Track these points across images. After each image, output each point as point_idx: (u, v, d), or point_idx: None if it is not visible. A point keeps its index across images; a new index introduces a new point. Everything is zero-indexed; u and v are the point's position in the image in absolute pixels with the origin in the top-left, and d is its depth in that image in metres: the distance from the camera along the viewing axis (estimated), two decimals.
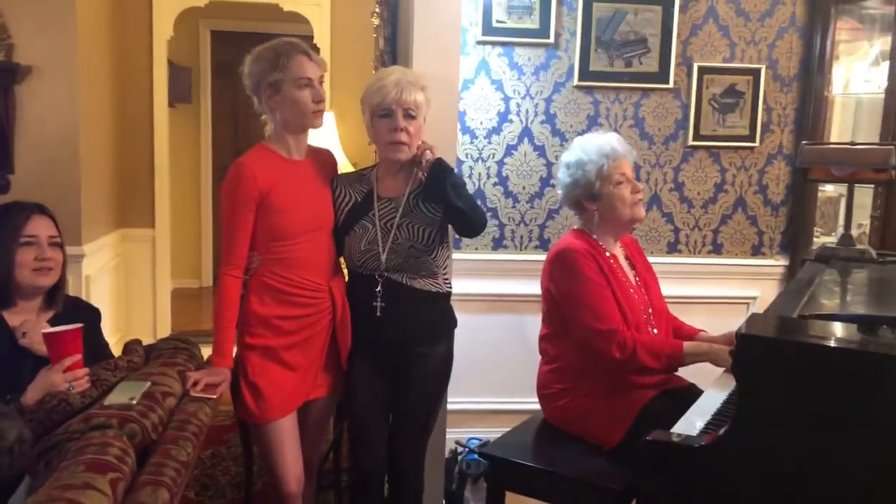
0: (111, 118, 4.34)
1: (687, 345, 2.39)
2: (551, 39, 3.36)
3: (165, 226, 4.77)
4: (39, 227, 2.21)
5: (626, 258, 2.60)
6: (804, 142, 3.08)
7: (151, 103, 4.67)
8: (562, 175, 2.56)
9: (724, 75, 3.50)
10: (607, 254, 2.51)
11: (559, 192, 2.61)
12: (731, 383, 2.15)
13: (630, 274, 2.56)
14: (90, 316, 2.31)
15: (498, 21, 3.32)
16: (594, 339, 2.36)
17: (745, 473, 1.64)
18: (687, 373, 2.50)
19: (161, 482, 1.62)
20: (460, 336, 2.51)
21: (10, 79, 3.50)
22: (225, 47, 6.53)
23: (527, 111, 3.42)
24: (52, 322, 2.18)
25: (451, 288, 2.47)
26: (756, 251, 3.66)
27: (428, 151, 2.31)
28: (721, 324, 2.70)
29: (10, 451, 1.54)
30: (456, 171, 2.63)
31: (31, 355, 2.10)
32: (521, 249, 3.50)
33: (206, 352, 2.35)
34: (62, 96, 3.58)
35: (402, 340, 2.35)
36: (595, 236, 2.53)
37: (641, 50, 3.43)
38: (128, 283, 4.59)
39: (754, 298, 3.59)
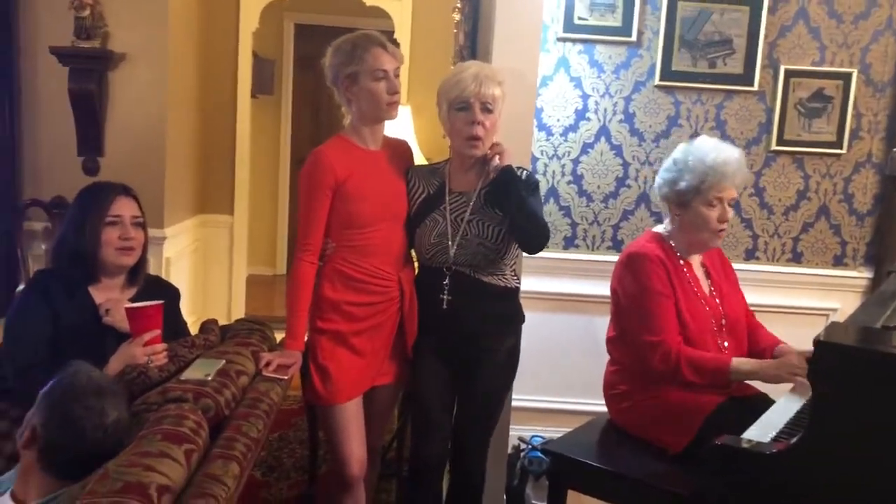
0: (196, 107, 4.47)
1: (735, 361, 2.29)
2: (633, 38, 3.32)
3: (244, 213, 4.89)
4: (124, 208, 2.29)
5: (702, 265, 2.54)
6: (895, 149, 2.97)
7: (235, 93, 4.78)
8: (665, 168, 2.49)
9: (813, 79, 3.39)
10: (681, 261, 2.46)
11: (656, 181, 2.53)
12: (805, 394, 2.10)
13: (704, 283, 2.49)
14: (170, 294, 2.38)
15: (580, 18, 3.30)
16: (640, 348, 2.35)
17: (817, 483, 1.59)
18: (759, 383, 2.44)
19: (232, 456, 1.67)
20: (528, 334, 2.51)
21: (104, 65, 3.64)
22: (308, 40, 6.65)
23: (605, 110, 3.38)
24: (134, 299, 2.26)
25: (519, 283, 2.46)
26: (838, 262, 3.54)
27: (498, 157, 2.29)
28: (798, 335, 2.60)
29: (106, 430, 1.61)
30: (530, 167, 2.63)
31: (114, 331, 2.19)
32: (592, 250, 3.46)
33: (279, 337, 2.41)
34: (151, 84, 3.71)
35: (467, 333, 2.36)
36: (672, 242, 2.48)
37: (726, 51, 3.36)
38: (205, 267, 4.73)
39: (834, 310, 3.47)
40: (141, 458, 1.49)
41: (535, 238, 2.31)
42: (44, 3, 3.63)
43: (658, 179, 2.52)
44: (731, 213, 2.43)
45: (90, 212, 2.24)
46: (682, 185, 2.39)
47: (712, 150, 2.40)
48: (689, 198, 2.39)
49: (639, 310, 2.37)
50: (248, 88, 4.86)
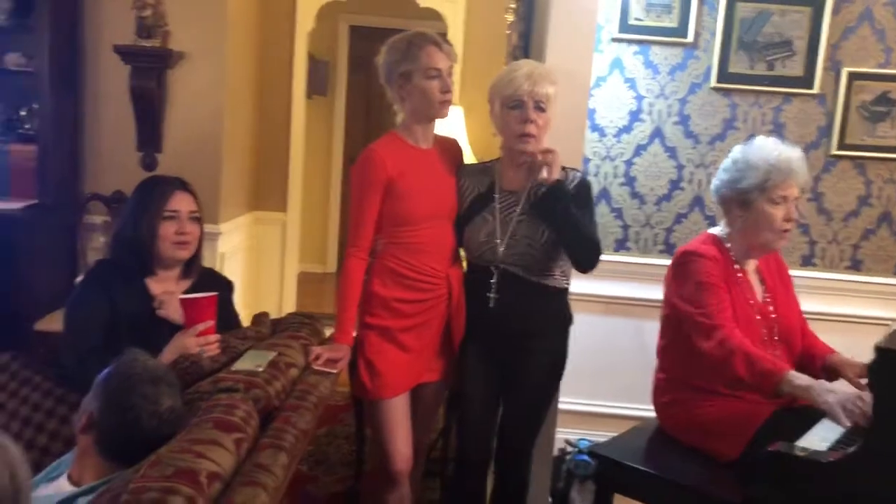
0: (252, 106, 4.55)
1: (791, 374, 2.11)
2: (690, 39, 3.27)
3: (296, 211, 4.95)
4: (181, 203, 2.33)
5: (757, 271, 2.48)
6: None
7: (290, 93, 4.85)
8: (724, 168, 2.43)
9: (877, 82, 3.29)
10: (736, 266, 2.40)
11: (714, 183, 2.47)
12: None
13: (758, 290, 2.43)
14: (224, 287, 2.42)
15: (635, 19, 3.26)
16: (695, 332, 2.26)
17: (874, 494, 1.54)
18: None
19: (281, 446, 1.69)
20: (576, 336, 2.49)
21: (163, 64, 3.73)
22: (362, 42, 6.72)
23: (659, 111, 3.34)
24: (189, 291, 2.30)
25: (568, 284, 2.45)
26: None
27: (546, 169, 2.25)
28: (856, 344, 2.52)
29: (160, 417, 1.65)
30: (582, 168, 2.61)
31: (168, 323, 2.23)
32: (644, 253, 3.42)
33: (328, 333, 2.43)
34: (209, 82, 3.78)
35: (514, 333, 2.36)
36: (728, 245, 2.42)
37: (786, 53, 3.28)
38: (258, 263, 4.80)
39: (895, 320, 3.37)
40: (192, 444, 1.51)
41: (585, 257, 2.31)
42: (108, 3, 3.74)
43: (716, 181, 2.47)
44: (796, 212, 2.37)
45: (148, 206, 2.29)
46: (745, 183, 2.33)
47: (774, 148, 2.35)
48: (753, 197, 2.33)
49: (694, 302, 2.29)
50: (303, 89, 4.92)
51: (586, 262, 2.32)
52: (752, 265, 2.46)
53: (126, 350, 1.74)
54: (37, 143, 3.69)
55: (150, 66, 3.70)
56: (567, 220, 2.26)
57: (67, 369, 2.17)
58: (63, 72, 3.70)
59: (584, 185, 2.39)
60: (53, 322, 3.28)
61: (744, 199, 2.35)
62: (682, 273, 2.37)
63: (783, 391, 2.11)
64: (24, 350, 2.36)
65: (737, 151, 2.42)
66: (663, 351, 2.50)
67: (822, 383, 2.11)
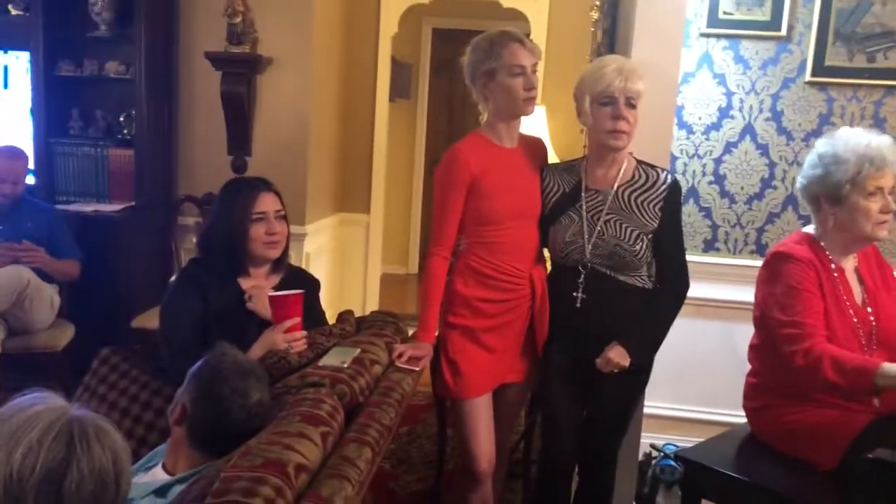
0: (337, 109, 4.63)
1: (885, 366, 2.00)
2: (783, 32, 3.16)
3: (379, 213, 5.00)
4: (268, 203, 2.38)
5: (856, 271, 2.35)
6: None
7: (374, 97, 4.90)
8: (809, 164, 2.32)
9: None
10: (832, 266, 2.29)
11: (799, 181, 2.36)
12: None
13: (857, 291, 2.30)
14: (311, 285, 2.47)
15: (725, 13, 3.17)
16: (781, 341, 2.17)
17: None
18: None
19: (365, 441, 1.71)
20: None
21: (253, 69, 3.84)
22: (445, 44, 6.75)
23: (750, 107, 3.23)
24: (277, 288, 2.35)
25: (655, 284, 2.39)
26: None
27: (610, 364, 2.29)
28: None
29: (249, 410, 1.69)
30: (669, 167, 2.55)
31: (257, 318, 2.29)
32: (734, 253, 3.32)
33: (411, 333, 2.44)
34: (296, 87, 3.88)
35: (600, 332, 2.31)
36: (823, 243, 2.31)
37: (888, 44, 3.13)
38: (342, 263, 4.88)
39: None
40: (280, 437, 1.54)
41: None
42: (201, 11, 3.87)
43: (802, 179, 2.35)
44: (893, 203, 2.23)
45: (237, 209, 2.33)
46: (836, 178, 2.22)
47: (861, 138, 2.22)
48: (846, 191, 2.21)
49: (783, 307, 2.20)
50: (387, 92, 4.97)
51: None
52: (850, 264, 2.34)
53: (217, 344, 1.79)
54: (134, 148, 3.86)
55: (240, 72, 3.82)
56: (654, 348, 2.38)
57: (163, 363, 2.25)
58: (158, 79, 3.86)
59: (675, 190, 2.34)
60: (149, 319, 3.41)
61: (835, 194, 2.23)
62: (773, 275, 2.28)
63: (880, 385, 2.00)
64: (121, 346, 2.46)
65: (822, 145, 2.30)
66: (755, 354, 2.41)
67: None
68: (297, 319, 2.16)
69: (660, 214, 2.29)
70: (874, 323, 2.27)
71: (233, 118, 3.89)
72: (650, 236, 2.29)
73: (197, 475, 1.59)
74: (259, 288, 2.34)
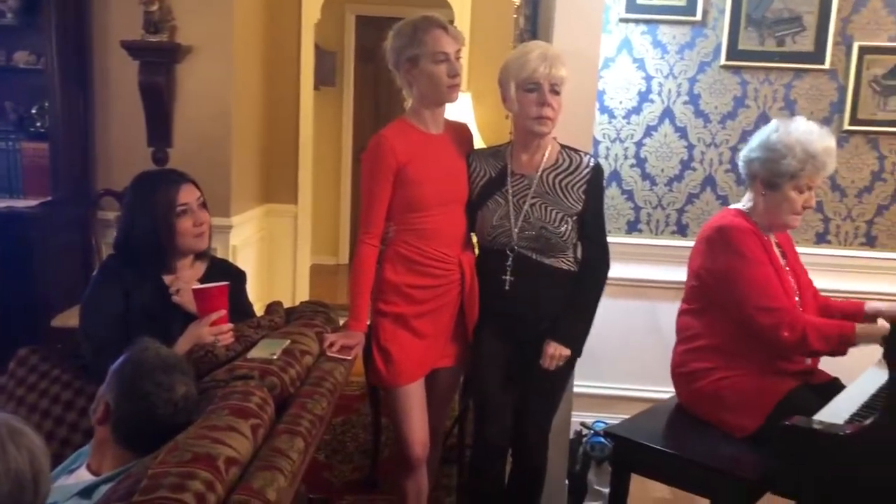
0: (260, 98, 4.55)
1: (859, 327, 2.22)
2: (698, 17, 3.24)
3: (307, 203, 4.95)
4: (189, 194, 2.32)
5: (777, 245, 2.49)
6: None
7: (298, 85, 4.84)
8: (760, 145, 2.41)
9: (889, 55, 3.26)
10: (764, 237, 2.42)
11: (745, 153, 2.46)
12: (880, 378, 2.03)
13: (781, 261, 2.46)
14: (236, 277, 2.43)
15: None
16: (763, 317, 2.26)
17: (891, 466, 1.54)
18: (829, 367, 2.37)
19: (297, 431, 1.70)
20: None
21: (171, 58, 3.73)
22: (369, 31, 6.70)
23: (669, 91, 3.32)
24: (202, 281, 2.31)
25: None
26: None
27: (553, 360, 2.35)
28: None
29: (175, 404, 1.66)
30: (592, 151, 2.60)
31: (181, 311, 2.24)
32: (656, 234, 3.41)
33: (342, 322, 2.43)
34: (217, 76, 3.79)
35: (529, 315, 2.36)
36: (755, 219, 2.44)
37: (796, 28, 3.25)
38: (270, 255, 4.81)
39: None
40: (209, 431, 1.52)
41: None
42: None
43: (750, 153, 2.45)
44: (814, 200, 2.41)
45: (159, 204, 2.25)
46: (781, 167, 2.34)
47: (818, 138, 2.34)
48: (783, 181, 2.35)
49: (746, 280, 2.30)
50: (311, 80, 4.92)
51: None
52: (773, 238, 2.49)
53: (138, 340, 1.75)
54: (48, 141, 3.71)
55: (158, 61, 3.71)
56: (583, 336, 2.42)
57: (85, 361, 2.19)
58: (72, 69, 3.72)
59: (597, 173, 2.39)
60: (70, 318, 3.31)
61: (773, 181, 2.37)
62: (721, 246, 2.37)
63: (857, 344, 2.19)
64: (41, 346, 2.38)
65: (779, 133, 2.39)
66: (692, 319, 2.48)
67: (882, 323, 2.24)
68: (223, 312, 2.12)
69: (583, 197, 2.34)
70: (795, 287, 2.42)
71: (152, 109, 3.78)
72: (574, 219, 2.34)
73: (123, 474, 1.55)
74: (184, 281, 2.29)
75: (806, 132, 2.35)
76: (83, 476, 1.66)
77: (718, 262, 2.37)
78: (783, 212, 2.37)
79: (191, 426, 1.56)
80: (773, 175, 2.36)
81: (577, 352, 2.38)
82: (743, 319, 2.31)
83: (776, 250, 2.46)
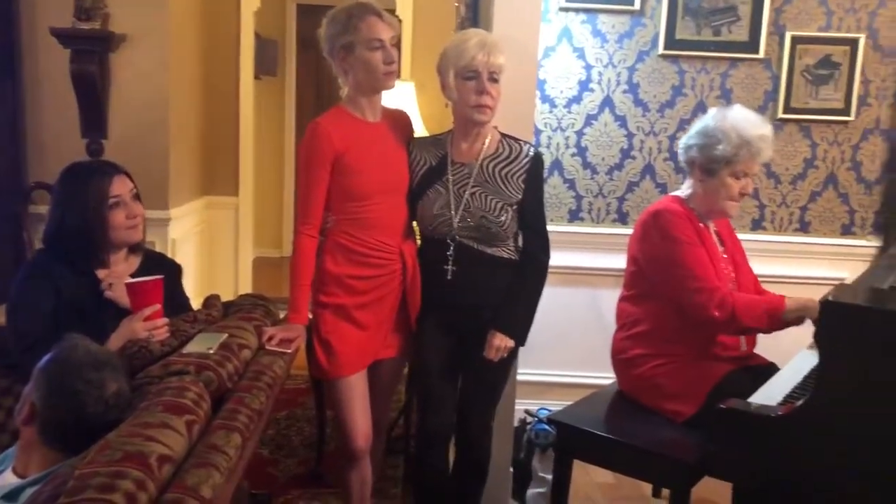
0: (199, 88, 4.46)
1: (789, 300, 2.27)
2: (636, 6, 3.28)
3: (248, 195, 4.88)
4: (121, 186, 2.25)
5: (716, 233, 2.54)
6: None
7: (238, 74, 4.75)
8: (698, 132, 2.45)
9: (819, 45, 3.35)
10: (700, 224, 2.46)
11: (684, 141, 2.50)
12: (813, 361, 2.08)
13: (719, 249, 2.50)
14: (172, 270, 2.37)
15: None
16: (693, 297, 2.30)
17: (824, 445, 1.58)
18: (768, 351, 2.43)
19: (234, 426, 1.66)
20: None
21: (105, 46, 3.62)
22: (310, 20, 6.57)
23: (609, 80, 3.34)
24: (136, 275, 2.25)
25: None
26: (846, 231, 3.50)
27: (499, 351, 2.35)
28: None
29: (107, 402, 1.61)
30: (534, 140, 2.61)
31: (114, 306, 2.18)
32: (597, 222, 3.44)
33: (283, 315, 2.39)
34: (153, 65, 3.69)
35: (471, 304, 2.35)
36: (692, 205, 2.47)
37: (731, 18, 3.31)
38: (211, 249, 4.73)
39: (843, 280, 3.43)
40: (142, 428, 1.48)
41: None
42: None
43: (688, 140, 2.49)
44: (752, 186, 2.45)
45: (91, 197, 2.19)
46: (716, 153, 2.38)
47: (753, 124, 2.39)
48: (719, 167, 2.38)
49: (677, 262, 2.34)
50: (251, 69, 4.84)
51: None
52: (711, 227, 2.53)
53: (66, 336, 1.69)
54: None
55: (91, 50, 3.59)
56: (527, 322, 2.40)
57: (13, 360, 2.11)
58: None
59: (537, 162, 2.39)
60: None
61: (710, 166, 2.40)
62: (655, 230, 2.41)
63: (788, 319, 2.25)
64: None
65: (715, 119, 2.43)
66: (632, 305, 2.52)
67: (811, 297, 2.22)
68: (158, 306, 2.07)
69: (523, 187, 2.34)
70: (734, 278, 2.47)
71: (85, 99, 3.67)
72: (515, 208, 2.34)
73: (51, 476, 1.50)
74: (117, 275, 2.23)
75: (742, 119, 2.40)
76: (8, 479, 1.59)
77: (653, 246, 2.41)
78: (720, 198, 2.41)
79: (122, 424, 1.52)
80: (709, 161, 2.39)
81: (521, 341, 2.38)
82: (676, 301, 2.35)
83: (714, 238, 2.50)
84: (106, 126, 3.74)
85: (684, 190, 2.52)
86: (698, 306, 2.28)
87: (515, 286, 2.37)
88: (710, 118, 2.45)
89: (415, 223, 2.46)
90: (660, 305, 2.41)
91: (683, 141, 2.51)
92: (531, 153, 2.37)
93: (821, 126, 3.42)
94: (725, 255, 2.50)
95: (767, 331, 2.31)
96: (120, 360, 1.76)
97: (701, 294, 2.28)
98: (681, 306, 2.34)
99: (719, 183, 2.39)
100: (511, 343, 2.35)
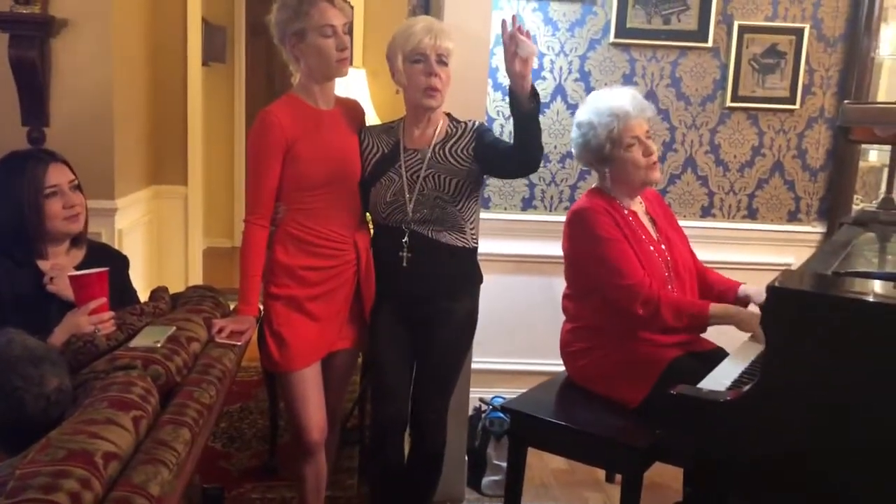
0: (145, 75, 4.35)
1: (713, 306, 2.33)
2: None
3: (198, 184, 4.78)
4: (59, 175, 2.19)
5: (647, 213, 2.56)
6: (846, 101, 2.99)
7: (185, 61, 4.64)
8: (574, 135, 2.51)
9: (766, 34, 3.40)
10: (625, 211, 2.48)
11: (572, 150, 2.56)
12: (761, 345, 2.12)
13: (651, 230, 2.52)
14: (118, 262, 2.32)
15: None
16: (617, 295, 2.34)
17: (770, 431, 1.61)
18: (714, 336, 2.46)
19: (183, 422, 1.63)
20: (487, 296, 2.49)
21: (45, 31, 3.50)
22: (260, 6, 6.48)
23: (560, 68, 3.35)
24: (80, 267, 2.19)
25: (477, 243, 2.44)
26: (792, 217, 3.58)
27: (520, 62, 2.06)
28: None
29: (48, 398, 1.56)
30: (487, 125, 2.60)
31: (58, 300, 2.12)
32: (550, 210, 3.45)
33: (233, 307, 2.35)
34: (96, 51, 3.58)
35: (426, 293, 2.34)
36: (613, 194, 2.49)
37: (680, 7, 3.34)
38: (160, 239, 4.63)
39: (789, 265, 3.51)
40: (86, 425, 1.44)
41: (537, 156, 2.21)
42: None
43: (573, 149, 2.55)
44: (653, 145, 2.45)
45: (26, 186, 2.13)
46: (595, 141, 2.41)
47: (605, 100, 2.43)
48: (608, 150, 2.41)
49: (600, 260, 2.37)
50: (199, 56, 4.73)
51: (536, 161, 2.23)
52: (640, 208, 2.55)
53: (1, 331, 1.63)
54: None
55: (31, 35, 3.47)
56: (536, 118, 2.14)
57: None
58: None
59: (483, 130, 2.36)
60: None
61: (601, 156, 2.43)
62: (577, 232, 2.45)
63: (711, 324, 2.33)
64: None
65: (578, 115, 2.51)
66: (570, 303, 2.55)
67: (743, 309, 2.37)
68: (103, 300, 2.02)
69: (473, 154, 2.32)
70: (668, 257, 2.49)
71: (25, 86, 3.54)
72: (471, 180, 2.32)
73: None
74: (60, 268, 2.17)
75: (595, 100, 2.47)
76: None
77: (577, 246, 2.46)
78: (632, 173, 2.43)
79: (66, 422, 1.48)
80: (597, 150, 2.43)
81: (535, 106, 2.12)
82: (607, 298, 2.39)
83: (646, 220, 2.52)
84: (47, 114, 3.61)
85: (600, 181, 2.54)
86: (623, 303, 2.33)
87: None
88: (576, 118, 2.51)
89: (368, 213, 2.44)
90: (598, 301, 2.43)
91: (573, 150, 2.56)
92: (475, 125, 2.37)
93: (767, 114, 3.48)
94: (658, 236, 2.52)
95: (689, 332, 2.36)
96: (59, 354, 1.70)
97: (624, 290, 2.32)
98: (608, 303, 2.38)
99: (621, 161, 2.42)
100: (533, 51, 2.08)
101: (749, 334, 2.31)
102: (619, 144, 2.40)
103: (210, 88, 6.00)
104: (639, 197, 2.56)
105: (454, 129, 2.37)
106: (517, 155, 2.21)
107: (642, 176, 2.44)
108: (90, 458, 1.34)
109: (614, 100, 2.42)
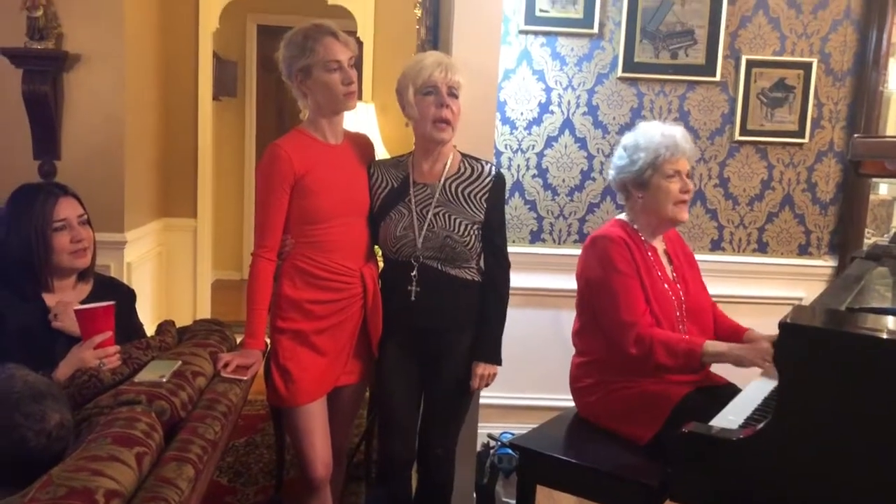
0: (156, 109, 4.39)
1: (708, 344, 2.27)
2: (595, 30, 3.30)
3: (207, 217, 4.80)
4: (68, 209, 2.20)
5: (666, 253, 2.54)
6: (856, 135, 2.98)
7: (196, 95, 4.69)
8: (617, 157, 2.51)
9: (774, 69, 3.41)
10: (645, 246, 2.46)
11: (611, 172, 2.54)
12: (774, 381, 2.08)
13: (668, 269, 2.50)
14: (124, 296, 2.31)
15: (541, 10, 3.28)
16: (615, 330, 2.33)
17: (785, 469, 1.57)
18: (726, 371, 2.43)
19: (187, 458, 1.61)
20: None
21: (58, 66, 3.55)
22: (270, 41, 6.52)
23: (568, 102, 3.36)
24: (87, 301, 2.18)
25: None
26: (803, 251, 3.55)
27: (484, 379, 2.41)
28: (764, 324, 2.57)
29: (49, 435, 1.55)
30: (494, 161, 2.61)
31: (64, 335, 2.11)
32: (559, 243, 3.44)
33: (240, 340, 2.34)
34: (108, 85, 3.62)
35: (435, 327, 2.33)
36: (636, 226, 2.48)
37: (688, 42, 3.36)
38: (169, 272, 4.64)
39: (800, 299, 3.48)
40: (88, 462, 1.43)
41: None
42: None
43: (611, 172, 2.54)
44: (691, 184, 2.45)
45: (35, 219, 2.14)
46: (639, 165, 2.41)
47: (658, 128, 2.45)
48: (648, 176, 2.41)
49: (607, 292, 2.36)
50: (210, 90, 4.78)
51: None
52: (660, 246, 2.53)
53: (2, 367, 1.62)
54: None
55: (44, 70, 3.51)
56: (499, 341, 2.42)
57: None
58: None
59: (499, 181, 2.39)
60: None
61: (640, 179, 2.43)
62: (594, 257, 2.43)
63: (705, 362, 2.29)
64: None
65: (625, 138, 2.51)
66: (579, 335, 2.52)
67: (737, 345, 2.32)
68: (109, 334, 2.01)
69: (485, 206, 2.33)
70: (683, 297, 2.46)
71: (38, 120, 3.58)
72: (478, 227, 2.33)
73: None
74: (65, 304, 2.16)
75: (647, 127, 2.48)
76: None
77: (589, 270, 2.44)
78: (663, 203, 2.41)
79: (68, 458, 1.46)
80: (638, 174, 2.42)
81: (500, 363, 2.42)
82: (607, 331, 2.38)
83: (663, 259, 2.50)
84: (59, 147, 3.65)
85: (627, 213, 2.54)
86: (618, 340, 2.32)
87: (485, 311, 2.38)
88: (622, 141, 2.52)
89: (376, 246, 2.43)
90: (602, 335, 2.41)
91: (610, 173, 2.55)
92: (493, 172, 2.37)
93: (776, 148, 3.47)
94: (675, 276, 2.50)
95: (683, 371, 2.31)
96: (60, 389, 1.69)
97: (620, 328, 2.31)
98: (610, 335, 2.37)
99: (656, 189, 2.41)
100: (495, 370, 2.38)
101: (761, 370, 2.27)
102: (660, 172, 2.39)
103: (221, 122, 6.05)
104: (661, 236, 2.54)
105: (468, 168, 2.37)
106: (485, 278, 2.41)
107: (671, 211, 2.42)
108: (91, 497, 1.33)
109: (667, 129, 2.44)
